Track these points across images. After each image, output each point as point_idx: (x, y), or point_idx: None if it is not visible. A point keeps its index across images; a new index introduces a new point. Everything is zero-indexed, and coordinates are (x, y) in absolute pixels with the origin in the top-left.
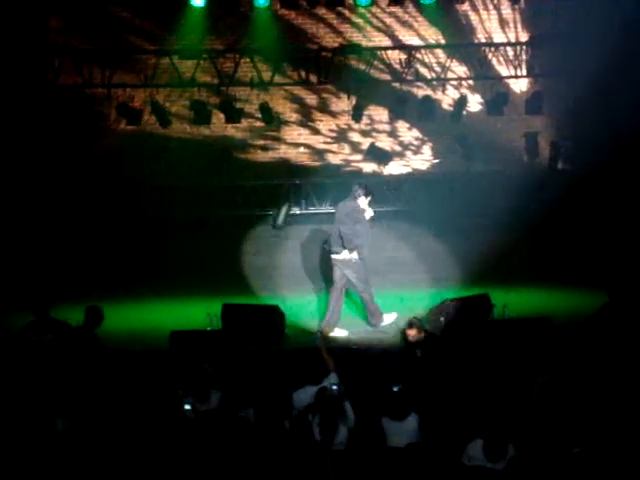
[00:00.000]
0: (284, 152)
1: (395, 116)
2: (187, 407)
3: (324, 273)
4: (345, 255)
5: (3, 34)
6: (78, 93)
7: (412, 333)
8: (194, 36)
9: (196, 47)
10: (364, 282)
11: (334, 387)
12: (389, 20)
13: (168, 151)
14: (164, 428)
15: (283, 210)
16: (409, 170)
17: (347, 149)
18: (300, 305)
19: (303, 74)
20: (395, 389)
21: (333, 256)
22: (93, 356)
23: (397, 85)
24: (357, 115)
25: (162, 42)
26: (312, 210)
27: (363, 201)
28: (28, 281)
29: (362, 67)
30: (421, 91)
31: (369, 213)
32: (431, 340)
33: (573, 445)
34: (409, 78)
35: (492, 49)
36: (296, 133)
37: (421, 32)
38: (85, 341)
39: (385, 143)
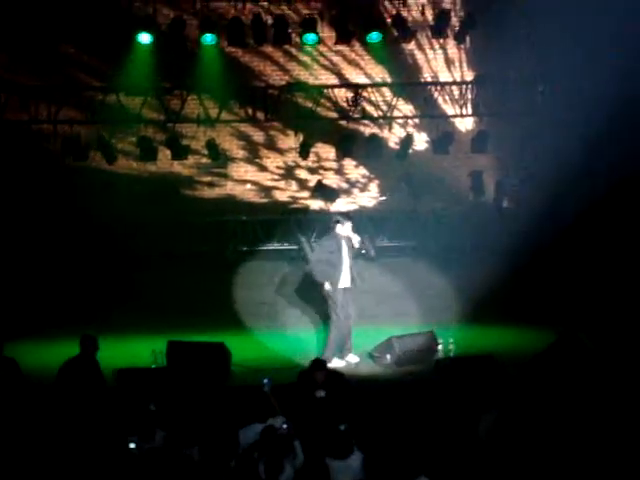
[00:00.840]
0: (231, 189)
1: (342, 154)
2: (132, 446)
3: (270, 308)
4: (325, 286)
5: None
6: (24, 129)
7: (320, 376)
8: (141, 73)
9: (143, 84)
10: (336, 314)
11: (284, 425)
12: (336, 58)
13: (114, 187)
14: (109, 466)
15: (230, 247)
16: (356, 207)
17: (294, 186)
18: (247, 341)
19: (250, 111)
20: (342, 428)
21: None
22: (95, 382)
23: (344, 123)
24: (304, 152)
25: (109, 79)
26: (260, 247)
27: (341, 229)
28: None
29: (309, 105)
30: (368, 129)
31: (354, 239)
32: (336, 379)
33: None
34: (356, 116)
35: (438, 88)
36: (243, 170)
37: (368, 70)
38: (88, 368)
39: (332, 180)
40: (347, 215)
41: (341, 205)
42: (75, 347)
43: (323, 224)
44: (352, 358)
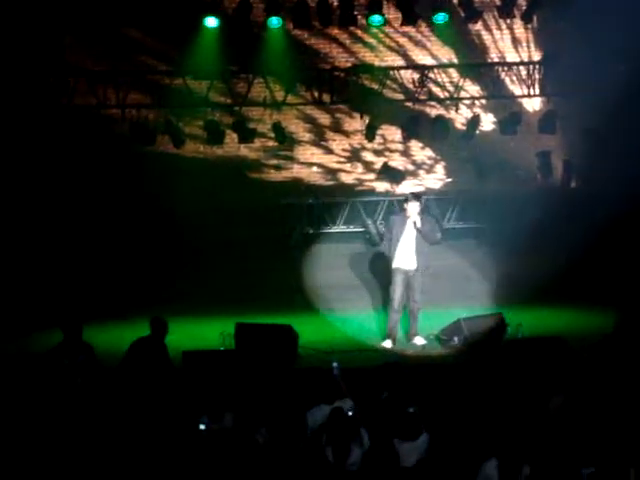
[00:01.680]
0: (297, 172)
1: (408, 135)
2: (202, 427)
3: (338, 291)
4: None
5: (18, 53)
6: (92, 114)
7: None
8: (207, 56)
9: (209, 67)
10: (389, 293)
11: (350, 410)
12: (402, 40)
13: (182, 171)
14: (179, 447)
15: (297, 230)
16: (422, 189)
17: (360, 168)
18: (314, 324)
19: (316, 94)
20: (411, 410)
21: None
22: (163, 363)
23: (410, 104)
24: (370, 134)
25: (176, 63)
26: (325, 230)
27: (407, 209)
28: (50, 302)
29: (375, 87)
30: (434, 110)
31: (417, 221)
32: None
33: (584, 466)
34: (422, 97)
35: (505, 68)
36: (309, 153)
37: (434, 52)
38: (156, 349)
39: (398, 162)
40: (415, 195)
41: (407, 187)
42: (145, 331)
43: (389, 206)
44: (418, 340)
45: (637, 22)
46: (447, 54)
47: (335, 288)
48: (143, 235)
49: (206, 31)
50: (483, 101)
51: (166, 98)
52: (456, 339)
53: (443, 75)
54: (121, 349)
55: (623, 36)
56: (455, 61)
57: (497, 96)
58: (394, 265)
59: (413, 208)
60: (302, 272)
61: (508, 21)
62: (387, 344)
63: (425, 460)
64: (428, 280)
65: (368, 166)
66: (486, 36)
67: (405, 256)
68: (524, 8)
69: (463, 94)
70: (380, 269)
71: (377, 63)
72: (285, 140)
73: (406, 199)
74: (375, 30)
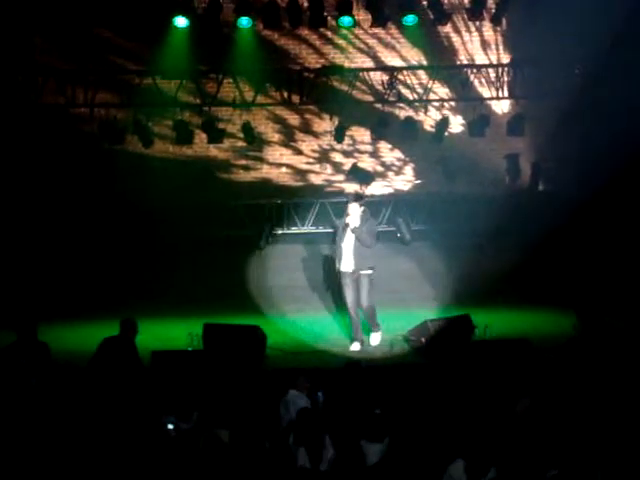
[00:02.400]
0: (266, 172)
1: (377, 137)
2: (170, 426)
3: (306, 292)
4: None
5: None
6: (61, 112)
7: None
8: (177, 56)
9: (179, 67)
10: (344, 300)
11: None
12: (371, 41)
13: (151, 170)
14: (146, 447)
15: (265, 230)
16: (391, 190)
17: (329, 169)
18: (283, 326)
19: (285, 94)
20: (377, 411)
21: None
22: (133, 364)
23: (379, 106)
24: (339, 136)
25: (145, 62)
26: (294, 230)
27: (348, 209)
28: (9, 301)
29: (344, 88)
30: (403, 112)
31: (351, 221)
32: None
33: (549, 468)
34: (391, 99)
35: (474, 71)
36: (278, 153)
37: (403, 53)
38: (125, 349)
39: (367, 164)
40: (355, 196)
41: (376, 188)
42: (113, 331)
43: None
44: (374, 338)
45: (603, 24)
46: (416, 56)
47: (303, 289)
48: (112, 234)
49: (176, 31)
50: (452, 103)
51: (135, 97)
52: (423, 340)
53: (412, 77)
54: (90, 348)
55: (590, 38)
56: (424, 63)
57: (466, 98)
58: (338, 268)
59: (352, 209)
60: (270, 273)
61: (477, 23)
62: (355, 347)
63: (387, 459)
64: (394, 281)
65: (337, 167)
66: (455, 38)
67: (346, 258)
68: (493, 11)
69: (432, 96)
70: None
71: (347, 64)
72: (254, 140)
73: (347, 200)
74: (345, 31)
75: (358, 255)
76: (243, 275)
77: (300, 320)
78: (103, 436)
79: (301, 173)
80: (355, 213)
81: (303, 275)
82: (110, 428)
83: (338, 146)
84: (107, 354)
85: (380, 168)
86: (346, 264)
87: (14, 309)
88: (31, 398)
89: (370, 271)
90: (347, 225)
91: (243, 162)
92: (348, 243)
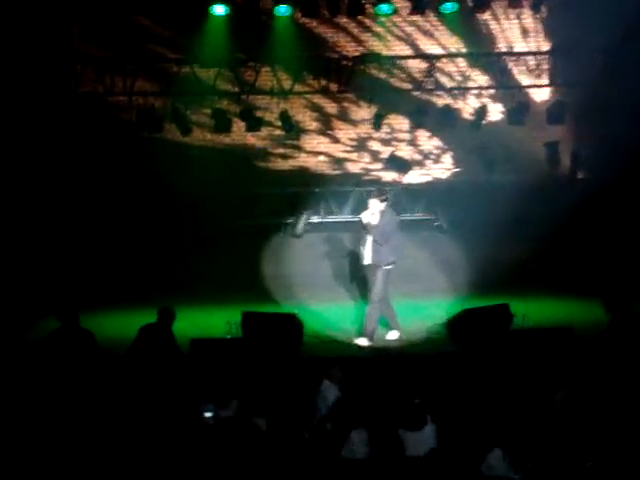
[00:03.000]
0: (303, 160)
1: (415, 125)
2: (208, 414)
3: (343, 281)
4: None
5: (27, 41)
6: (99, 101)
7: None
8: (215, 45)
9: (217, 56)
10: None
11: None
12: (410, 29)
13: (189, 159)
14: (183, 434)
15: (302, 218)
16: (429, 179)
17: (367, 158)
18: (319, 313)
19: (323, 82)
20: (416, 401)
21: None
22: (171, 352)
23: (418, 94)
24: (377, 124)
25: (183, 50)
26: (331, 218)
27: (369, 203)
28: (52, 289)
29: (383, 76)
30: (442, 100)
31: (365, 215)
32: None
33: (587, 459)
34: (430, 87)
35: (513, 58)
36: (316, 142)
37: (442, 41)
38: (163, 337)
39: (405, 152)
40: (377, 191)
41: (414, 177)
42: (151, 318)
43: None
44: (390, 335)
45: None
46: (455, 43)
47: (340, 277)
48: (151, 223)
49: (214, 19)
50: (491, 91)
51: (173, 86)
52: (461, 329)
53: (451, 65)
54: (129, 336)
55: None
56: (463, 51)
57: (505, 86)
58: (361, 261)
59: (372, 205)
60: (307, 261)
61: (517, 11)
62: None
63: (434, 450)
64: (432, 269)
65: (375, 155)
66: (494, 26)
67: (367, 252)
68: None
69: (471, 84)
70: None
71: (385, 52)
72: (292, 129)
73: (377, 194)
74: (383, 19)
75: (375, 251)
76: (280, 263)
77: (336, 308)
78: (142, 423)
79: (338, 161)
80: (374, 209)
81: (339, 263)
82: (149, 416)
83: (376, 134)
84: (145, 342)
85: (418, 156)
86: (366, 258)
87: (57, 296)
88: (70, 384)
89: (388, 266)
90: (361, 221)
91: (281, 150)
92: (369, 238)
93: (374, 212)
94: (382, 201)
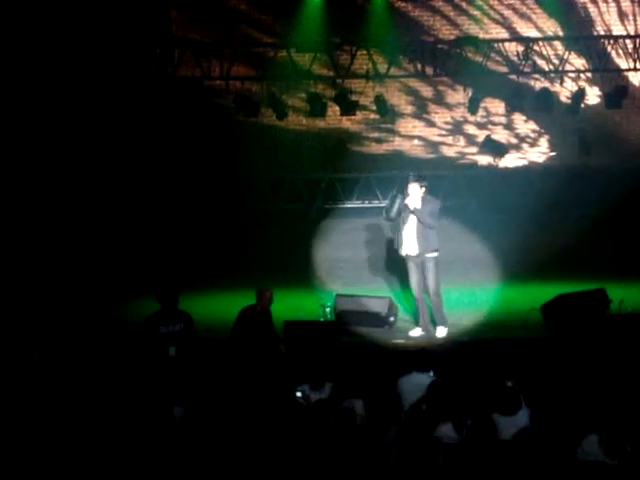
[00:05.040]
0: (398, 144)
1: (512, 108)
2: (298, 394)
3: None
4: None
5: (125, 25)
6: (197, 85)
7: None
8: (311, 29)
9: (313, 40)
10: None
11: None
12: (506, 12)
13: (284, 143)
14: (276, 416)
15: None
16: (525, 163)
17: (462, 142)
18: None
19: (419, 66)
20: (509, 384)
21: None
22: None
23: (514, 77)
24: (473, 107)
25: (280, 35)
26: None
27: (409, 189)
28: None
29: (479, 59)
30: (538, 83)
31: (409, 201)
32: None
33: None
34: (526, 70)
35: (611, 41)
36: (411, 125)
37: (539, 24)
38: (262, 319)
39: (501, 135)
40: (415, 176)
41: (510, 160)
42: (250, 300)
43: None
44: (439, 332)
45: None
46: (552, 27)
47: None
48: (247, 206)
49: (310, 3)
50: (588, 74)
51: (270, 70)
52: (557, 314)
53: (548, 48)
54: (224, 318)
55: None
56: (560, 34)
57: (602, 69)
58: (402, 252)
59: (412, 189)
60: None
61: None
62: (416, 332)
63: (525, 434)
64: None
65: (470, 139)
66: (592, 9)
67: (408, 241)
68: None
69: (568, 67)
70: None
71: (481, 35)
72: (387, 113)
73: (408, 181)
74: (480, 2)
75: (422, 238)
76: (374, 247)
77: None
78: (238, 404)
79: (434, 145)
80: (415, 194)
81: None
82: (245, 396)
83: (472, 118)
84: (246, 324)
85: (514, 140)
86: (409, 247)
87: (157, 277)
88: (169, 367)
89: (435, 254)
90: (407, 206)
91: (375, 134)
92: (410, 225)
93: (415, 197)
94: (421, 186)
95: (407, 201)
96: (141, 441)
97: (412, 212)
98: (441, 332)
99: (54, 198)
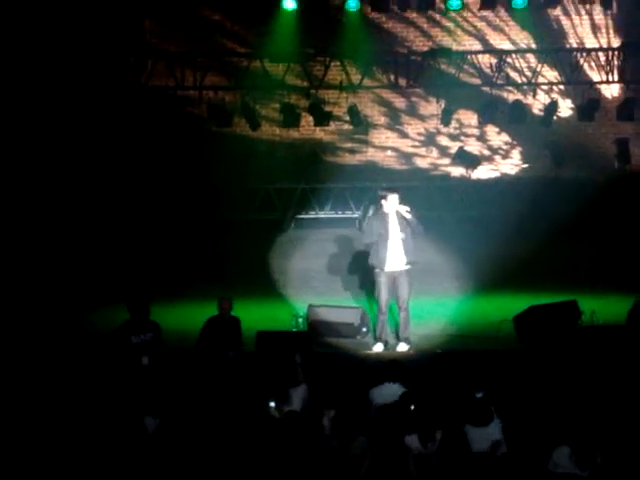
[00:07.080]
0: (372, 155)
1: (484, 120)
2: (271, 404)
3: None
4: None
5: (99, 34)
6: (170, 95)
7: None
8: (285, 39)
9: (287, 50)
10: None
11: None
12: (480, 24)
13: (256, 153)
14: (249, 427)
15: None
16: (498, 174)
17: (435, 153)
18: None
19: (392, 77)
20: (478, 395)
21: None
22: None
23: (487, 89)
24: (446, 119)
25: (253, 45)
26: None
27: (387, 205)
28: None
29: (452, 71)
30: (511, 95)
31: (402, 210)
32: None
33: None
34: (499, 82)
35: (584, 54)
36: (384, 136)
37: (512, 36)
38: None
39: (474, 147)
40: (390, 188)
41: (482, 172)
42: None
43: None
44: (401, 347)
45: None
46: (525, 39)
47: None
48: (219, 215)
49: (284, 13)
50: (561, 87)
51: (243, 80)
52: (528, 326)
53: (521, 60)
54: (193, 329)
55: None
56: (533, 46)
57: (575, 82)
58: (380, 267)
59: (394, 201)
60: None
61: (587, 7)
62: (378, 348)
63: (497, 445)
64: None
65: (443, 150)
66: (565, 21)
67: (393, 256)
68: None
69: (541, 79)
70: None
71: (454, 47)
72: (360, 123)
73: (382, 196)
74: (453, 14)
75: (409, 249)
76: (347, 257)
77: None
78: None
79: (406, 156)
80: (396, 205)
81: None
82: (217, 408)
83: (444, 129)
84: (212, 334)
85: (487, 152)
86: (395, 262)
87: (128, 285)
88: (142, 377)
89: (409, 266)
90: (397, 215)
91: (349, 145)
92: (395, 240)
93: (401, 207)
94: (399, 197)
95: (391, 212)
96: (114, 451)
97: (407, 222)
98: (402, 348)
99: (24, 207)
